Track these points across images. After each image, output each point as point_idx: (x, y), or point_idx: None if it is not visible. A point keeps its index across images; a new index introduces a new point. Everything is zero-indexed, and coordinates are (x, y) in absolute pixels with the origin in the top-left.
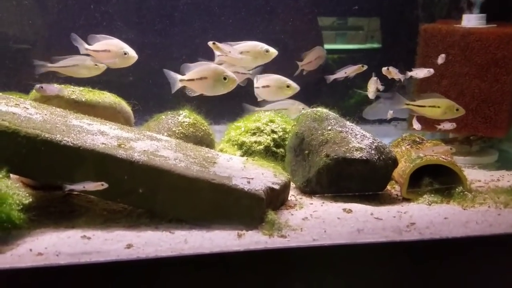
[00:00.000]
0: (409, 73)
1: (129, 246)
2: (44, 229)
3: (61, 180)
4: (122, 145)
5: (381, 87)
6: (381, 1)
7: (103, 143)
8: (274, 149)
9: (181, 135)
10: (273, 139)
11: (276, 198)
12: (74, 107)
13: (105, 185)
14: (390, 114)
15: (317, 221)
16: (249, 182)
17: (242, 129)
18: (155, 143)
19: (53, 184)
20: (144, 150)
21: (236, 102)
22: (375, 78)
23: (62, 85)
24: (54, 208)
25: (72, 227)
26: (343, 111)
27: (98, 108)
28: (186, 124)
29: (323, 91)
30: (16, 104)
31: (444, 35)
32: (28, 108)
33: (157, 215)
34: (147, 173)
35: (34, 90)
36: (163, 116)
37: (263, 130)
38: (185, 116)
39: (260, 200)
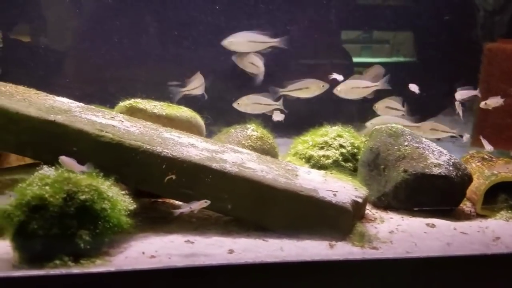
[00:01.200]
0: (482, 103)
1: (231, 251)
2: (145, 233)
3: (158, 189)
4: (214, 157)
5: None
6: (416, 15)
7: (196, 155)
8: (343, 163)
9: (250, 148)
10: (342, 154)
11: (358, 211)
12: (155, 120)
13: (208, 202)
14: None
15: (404, 234)
16: (335, 195)
17: (310, 143)
18: (239, 155)
19: (151, 193)
20: (233, 162)
21: (296, 117)
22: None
23: (146, 100)
24: (146, 214)
25: (169, 232)
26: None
27: (176, 121)
28: (255, 138)
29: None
30: (111, 117)
31: (509, 54)
32: (123, 121)
33: (245, 223)
34: (238, 183)
35: (120, 103)
36: (232, 130)
37: (331, 144)
38: (253, 130)
39: (347, 212)
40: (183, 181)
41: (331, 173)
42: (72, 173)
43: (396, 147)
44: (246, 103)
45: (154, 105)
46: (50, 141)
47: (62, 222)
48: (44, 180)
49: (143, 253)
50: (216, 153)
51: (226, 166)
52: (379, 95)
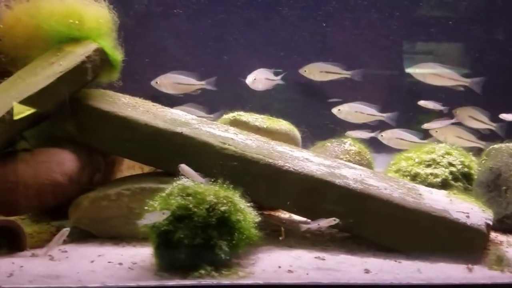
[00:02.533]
0: None
1: (366, 271)
2: (267, 246)
3: (279, 203)
4: (334, 172)
5: None
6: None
7: (317, 170)
8: (452, 182)
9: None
10: (451, 172)
11: (489, 234)
12: (255, 132)
13: (337, 221)
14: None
15: None
16: (468, 217)
17: (416, 160)
18: (355, 171)
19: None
20: (354, 178)
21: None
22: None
23: (248, 113)
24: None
25: (290, 247)
26: None
27: (276, 134)
28: (353, 153)
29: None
30: (225, 130)
31: None
32: (237, 134)
33: (363, 241)
34: (364, 201)
35: (224, 116)
36: (328, 144)
37: (439, 162)
38: (351, 145)
39: (482, 234)
40: (305, 197)
41: (454, 194)
42: (209, 185)
43: None
44: (348, 111)
45: (256, 118)
46: (175, 152)
47: (205, 232)
48: (185, 191)
49: (279, 267)
50: (333, 168)
51: (349, 182)
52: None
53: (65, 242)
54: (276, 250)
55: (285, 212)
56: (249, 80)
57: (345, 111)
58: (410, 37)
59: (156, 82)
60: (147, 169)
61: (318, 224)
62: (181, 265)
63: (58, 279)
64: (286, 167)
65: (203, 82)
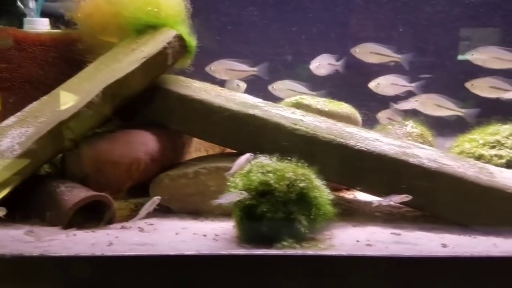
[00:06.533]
0: None
1: (444, 245)
2: (340, 223)
3: (352, 182)
4: (407, 152)
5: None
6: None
7: (389, 149)
8: None
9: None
10: None
11: None
12: (317, 115)
13: (409, 197)
14: None
15: None
16: None
17: (480, 142)
18: (427, 151)
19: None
20: (427, 158)
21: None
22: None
23: (310, 96)
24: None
25: (364, 224)
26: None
27: (337, 117)
28: (415, 135)
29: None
30: (292, 112)
31: None
32: (304, 116)
33: (437, 220)
34: (439, 179)
35: (286, 99)
36: (389, 126)
37: (504, 143)
38: (413, 127)
39: None
40: (379, 176)
41: None
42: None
43: None
44: (424, 101)
45: (317, 101)
46: (248, 133)
47: (286, 207)
48: (264, 168)
49: (358, 241)
50: (404, 148)
51: (423, 161)
52: None
53: (148, 216)
54: (350, 227)
55: (349, 192)
56: (313, 66)
57: (422, 101)
58: (465, 24)
59: (210, 68)
60: (211, 151)
61: (390, 200)
62: (263, 237)
63: (154, 247)
64: (358, 146)
65: (255, 68)
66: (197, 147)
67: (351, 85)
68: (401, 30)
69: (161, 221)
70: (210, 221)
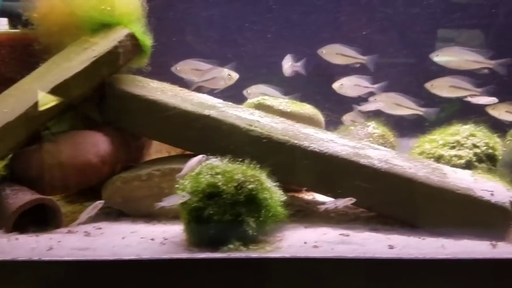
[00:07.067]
0: None
1: (391, 246)
2: (292, 225)
3: (305, 183)
4: (359, 153)
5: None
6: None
7: (342, 150)
8: (477, 164)
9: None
10: (475, 154)
11: None
12: (280, 116)
13: (353, 200)
14: None
15: None
16: (492, 195)
17: (440, 142)
18: (380, 152)
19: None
20: (379, 159)
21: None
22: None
23: (272, 97)
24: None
25: (316, 225)
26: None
27: (299, 118)
28: (376, 136)
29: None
30: (251, 113)
31: None
32: (262, 117)
33: (387, 220)
34: (389, 180)
35: (249, 100)
36: (352, 127)
37: (464, 144)
38: (374, 128)
39: (506, 212)
40: (330, 177)
41: (478, 173)
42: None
43: None
44: (384, 101)
45: (280, 102)
46: (203, 134)
47: (233, 209)
48: (214, 170)
49: (305, 242)
50: (358, 149)
51: (374, 162)
52: None
53: (98, 220)
54: (302, 228)
55: (309, 193)
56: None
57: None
58: (433, 24)
59: (176, 68)
60: (174, 152)
61: (335, 204)
62: (211, 240)
63: (95, 252)
64: (311, 147)
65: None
66: (158, 149)
67: (320, 87)
68: (364, 33)
69: (111, 225)
70: (163, 224)
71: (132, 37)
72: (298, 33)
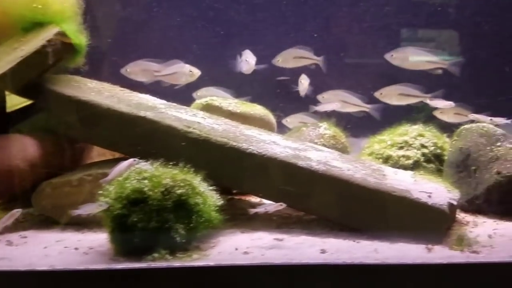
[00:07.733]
0: None
1: (323, 251)
2: (230, 229)
3: (243, 186)
4: (299, 155)
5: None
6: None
7: (281, 152)
8: (425, 164)
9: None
10: (423, 154)
11: (453, 214)
12: (229, 117)
13: (284, 205)
14: None
15: (504, 239)
16: (430, 196)
17: (388, 143)
18: (322, 154)
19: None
20: (318, 160)
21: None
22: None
23: (221, 98)
24: (225, 211)
25: (254, 229)
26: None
27: (250, 119)
28: (327, 136)
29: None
30: (193, 114)
31: None
32: (205, 118)
33: (328, 223)
34: (326, 182)
35: (197, 101)
36: (304, 128)
37: (412, 144)
38: (326, 129)
39: (444, 214)
40: (269, 179)
41: (420, 174)
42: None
43: (488, 148)
44: (330, 98)
45: (229, 103)
46: (139, 136)
47: (160, 215)
48: (141, 174)
49: (236, 249)
50: (299, 151)
51: (312, 164)
52: None
53: (28, 227)
54: (238, 233)
55: (256, 196)
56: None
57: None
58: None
59: (126, 70)
60: (118, 155)
61: (265, 209)
62: (136, 249)
63: (11, 262)
64: (250, 150)
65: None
66: (101, 152)
67: (272, 87)
68: (315, 35)
69: (37, 233)
70: (93, 232)
71: (62, 35)
72: (249, 33)
